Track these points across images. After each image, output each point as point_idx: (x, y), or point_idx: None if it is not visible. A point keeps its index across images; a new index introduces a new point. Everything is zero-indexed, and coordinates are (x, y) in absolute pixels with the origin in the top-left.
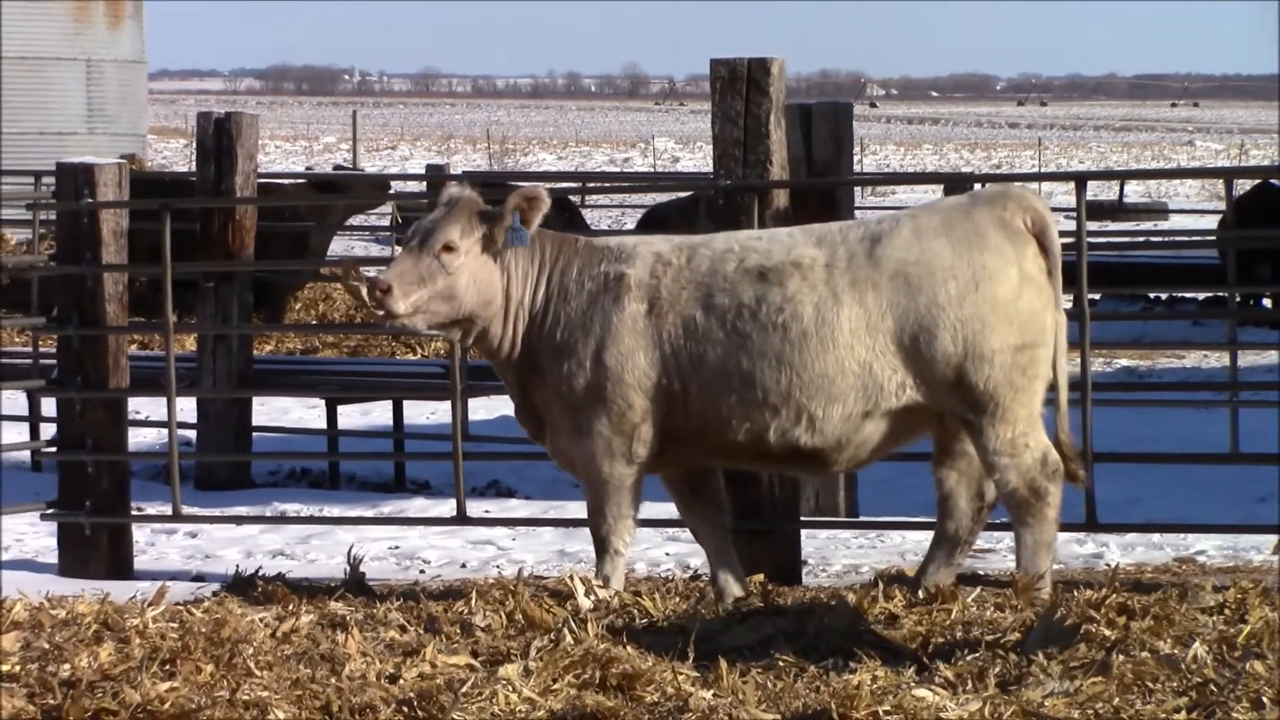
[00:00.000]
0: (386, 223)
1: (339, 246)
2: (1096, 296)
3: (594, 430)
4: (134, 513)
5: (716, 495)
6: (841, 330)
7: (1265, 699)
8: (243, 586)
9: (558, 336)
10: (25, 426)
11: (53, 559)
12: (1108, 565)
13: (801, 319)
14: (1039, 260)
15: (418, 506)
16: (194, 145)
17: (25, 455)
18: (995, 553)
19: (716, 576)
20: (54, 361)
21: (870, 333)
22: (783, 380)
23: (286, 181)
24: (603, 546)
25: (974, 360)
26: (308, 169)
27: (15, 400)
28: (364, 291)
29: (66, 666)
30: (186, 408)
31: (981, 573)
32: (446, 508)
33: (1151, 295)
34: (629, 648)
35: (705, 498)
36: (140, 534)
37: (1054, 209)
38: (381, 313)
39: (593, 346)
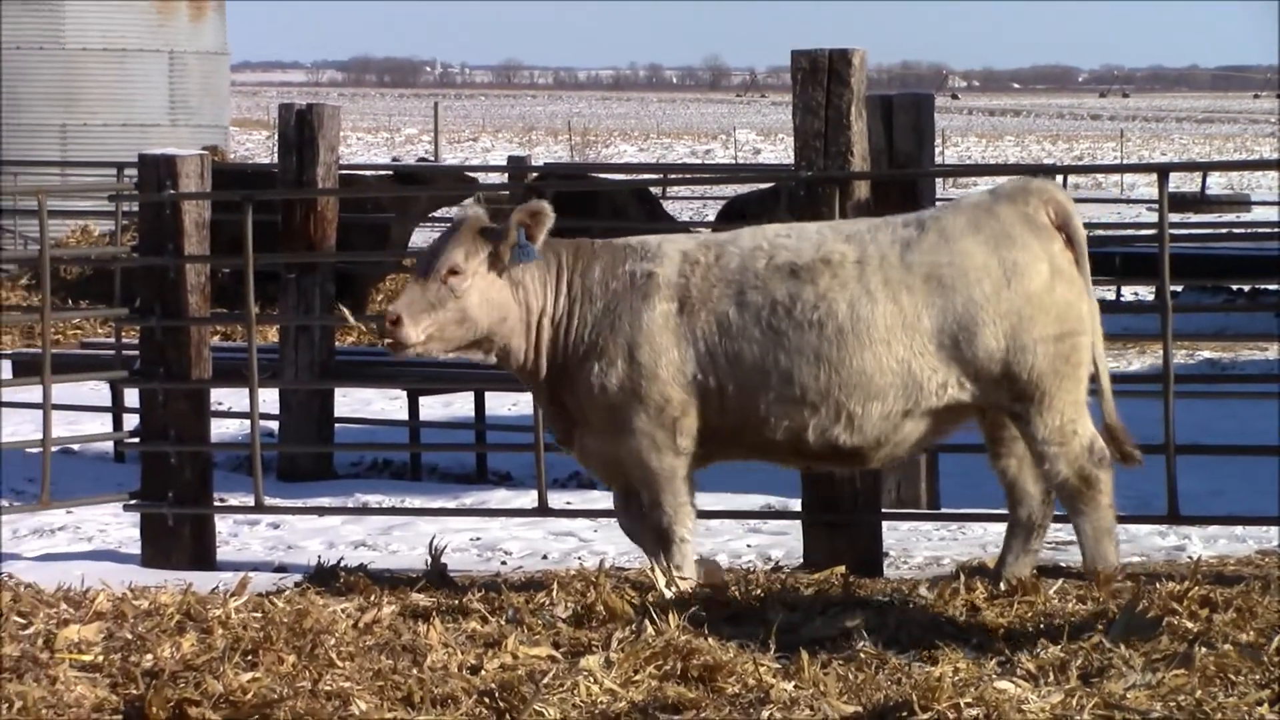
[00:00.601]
0: None
1: (420, 238)
2: (1179, 289)
3: (634, 427)
4: (216, 504)
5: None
6: (877, 327)
7: None
8: (325, 577)
9: (585, 338)
10: (108, 417)
11: (135, 550)
12: (1190, 558)
13: (837, 316)
14: (1066, 253)
15: (499, 498)
16: (276, 137)
17: (108, 446)
18: (1076, 544)
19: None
20: (137, 353)
21: (907, 332)
22: (821, 378)
23: (368, 173)
24: (668, 538)
25: (1016, 352)
26: (394, 160)
27: (98, 391)
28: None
29: (149, 657)
30: (269, 399)
31: (1063, 564)
32: (528, 499)
33: (1234, 288)
34: (710, 639)
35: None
36: (223, 525)
37: (1136, 201)
38: (393, 343)
39: (624, 345)
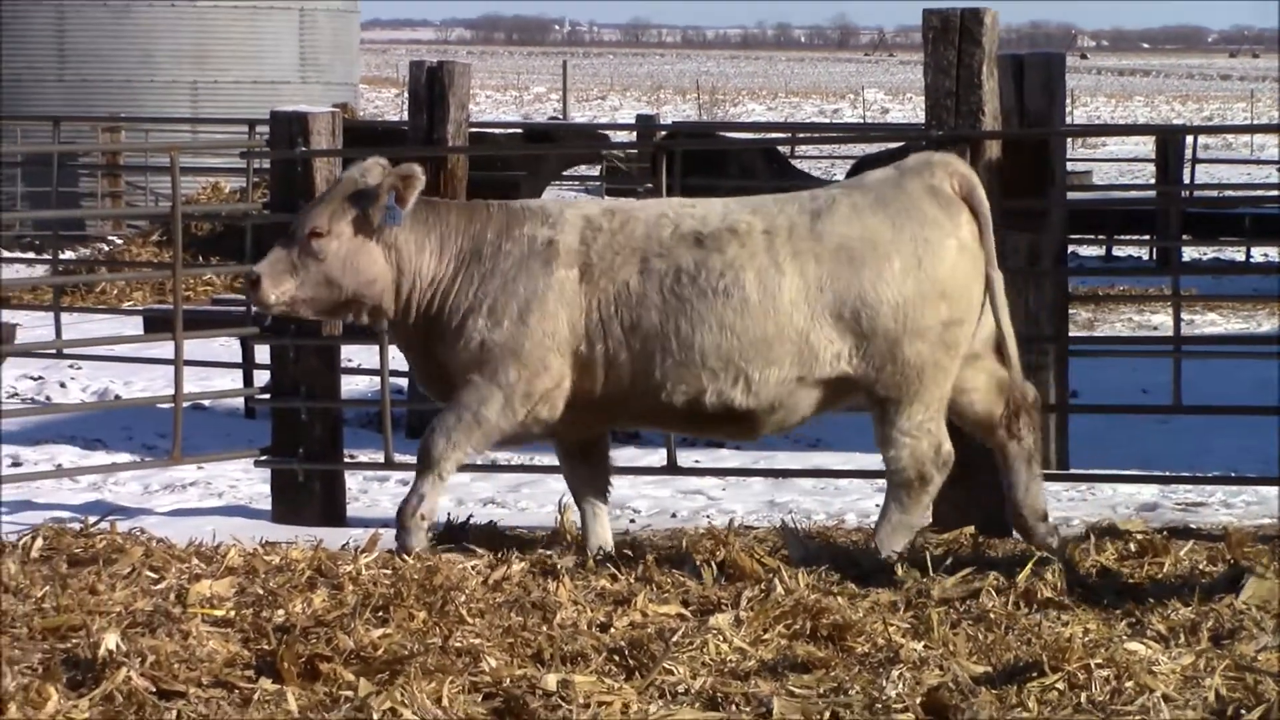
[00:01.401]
0: (596, 173)
1: (550, 197)
2: None
3: (499, 379)
4: (346, 460)
5: (604, 463)
6: (783, 297)
7: None
8: (455, 534)
9: (469, 296)
10: (239, 373)
11: (266, 505)
12: None
13: (743, 285)
14: (972, 225)
15: (628, 456)
16: (405, 94)
17: (239, 402)
18: (1208, 506)
19: (588, 543)
20: None
21: (809, 302)
22: (724, 344)
23: (498, 131)
24: (430, 464)
25: (910, 336)
26: (524, 119)
27: (229, 347)
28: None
29: (281, 612)
30: (398, 355)
31: (1193, 526)
32: (657, 457)
33: None
34: (839, 598)
35: (594, 464)
36: (352, 481)
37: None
38: (257, 305)
39: (515, 308)
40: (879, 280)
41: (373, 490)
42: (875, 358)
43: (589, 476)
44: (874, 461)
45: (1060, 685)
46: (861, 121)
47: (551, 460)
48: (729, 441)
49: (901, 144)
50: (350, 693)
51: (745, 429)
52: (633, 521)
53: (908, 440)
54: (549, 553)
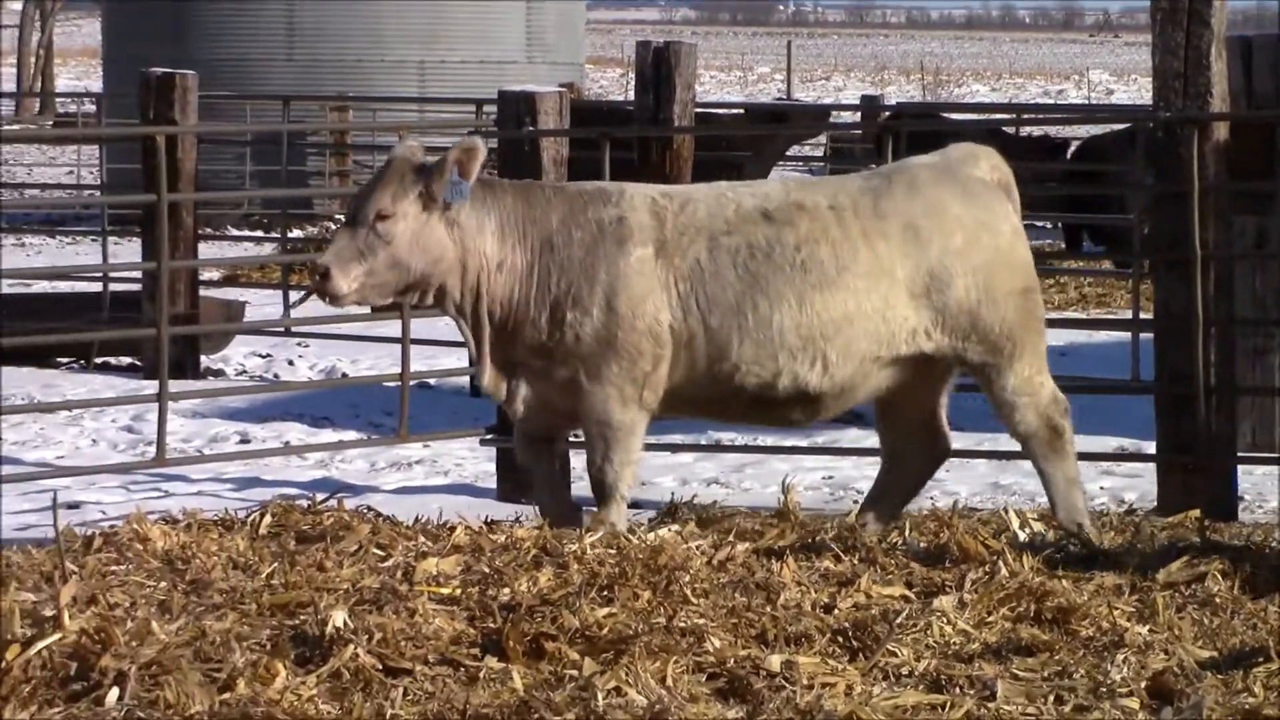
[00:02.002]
0: (821, 153)
1: (774, 177)
2: None
3: (604, 377)
4: (571, 440)
5: (565, 455)
6: (859, 272)
7: None
8: (679, 514)
9: (551, 288)
10: (465, 352)
11: (492, 484)
12: None
13: (820, 259)
14: (1014, 217)
15: (851, 437)
16: (631, 74)
17: (465, 380)
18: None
19: (541, 498)
20: None
21: (883, 279)
22: (804, 322)
23: (723, 112)
24: (609, 494)
25: (988, 305)
26: (749, 99)
27: (454, 327)
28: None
29: (506, 591)
30: None
31: None
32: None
33: None
34: (1064, 581)
35: (556, 450)
36: (577, 460)
37: None
38: (326, 297)
39: (600, 294)
40: (945, 254)
41: None
42: (956, 331)
43: (538, 455)
44: (1096, 444)
45: None
46: (1086, 102)
47: (775, 440)
48: (952, 423)
49: (1128, 125)
50: (575, 672)
51: (807, 414)
52: (855, 502)
53: (1024, 399)
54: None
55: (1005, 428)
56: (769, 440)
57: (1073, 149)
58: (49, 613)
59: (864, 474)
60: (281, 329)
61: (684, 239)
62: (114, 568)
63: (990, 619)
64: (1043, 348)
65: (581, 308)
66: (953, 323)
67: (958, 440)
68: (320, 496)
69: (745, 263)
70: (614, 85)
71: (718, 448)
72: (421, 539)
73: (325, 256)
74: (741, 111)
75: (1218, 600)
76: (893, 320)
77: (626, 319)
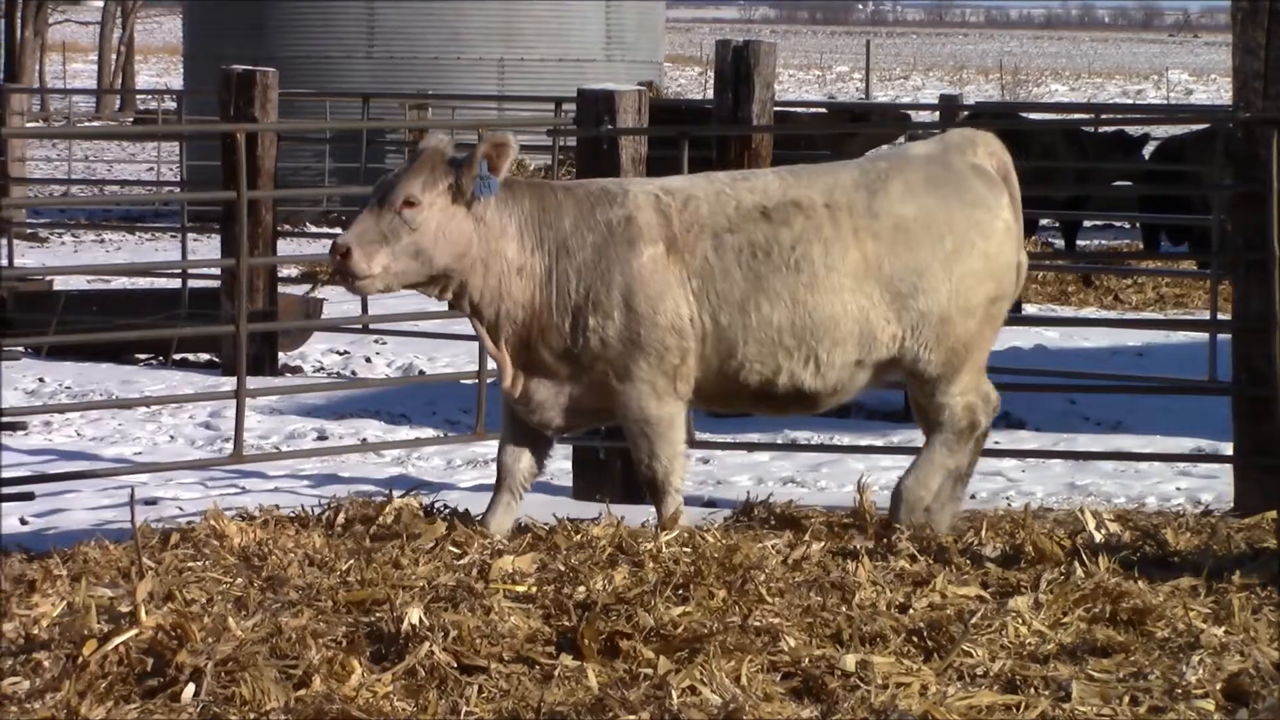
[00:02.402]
0: None
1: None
2: None
3: (635, 375)
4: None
5: (544, 449)
6: (847, 274)
7: None
8: (754, 513)
9: (571, 294)
10: None
11: (567, 482)
12: None
13: (813, 260)
14: (1011, 205)
15: None
16: (709, 73)
17: None
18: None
19: (497, 502)
20: None
21: (870, 280)
22: (797, 321)
23: (801, 110)
24: (663, 489)
25: (961, 315)
26: (828, 98)
27: None
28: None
29: (582, 589)
30: None
31: None
32: None
33: None
34: (1139, 582)
35: (537, 448)
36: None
37: None
38: (345, 277)
39: (618, 296)
40: (934, 260)
41: None
42: (927, 338)
43: (520, 455)
44: (1173, 445)
45: None
46: (1165, 102)
47: (851, 439)
48: (1029, 423)
49: (1207, 125)
50: (650, 670)
51: (804, 408)
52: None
53: (959, 398)
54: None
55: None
56: (845, 439)
57: (1151, 149)
58: (126, 608)
59: None
60: (359, 326)
61: (690, 235)
62: (191, 564)
63: (1065, 620)
64: (987, 355)
65: (603, 312)
66: (926, 331)
67: (1033, 441)
68: (397, 493)
69: (748, 262)
70: (692, 84)
71: (794, 446)
72: (497, 536)
73: (346, 236)
74: (821, 110)
75: None
76: (875, 322)
77: (648, 317)
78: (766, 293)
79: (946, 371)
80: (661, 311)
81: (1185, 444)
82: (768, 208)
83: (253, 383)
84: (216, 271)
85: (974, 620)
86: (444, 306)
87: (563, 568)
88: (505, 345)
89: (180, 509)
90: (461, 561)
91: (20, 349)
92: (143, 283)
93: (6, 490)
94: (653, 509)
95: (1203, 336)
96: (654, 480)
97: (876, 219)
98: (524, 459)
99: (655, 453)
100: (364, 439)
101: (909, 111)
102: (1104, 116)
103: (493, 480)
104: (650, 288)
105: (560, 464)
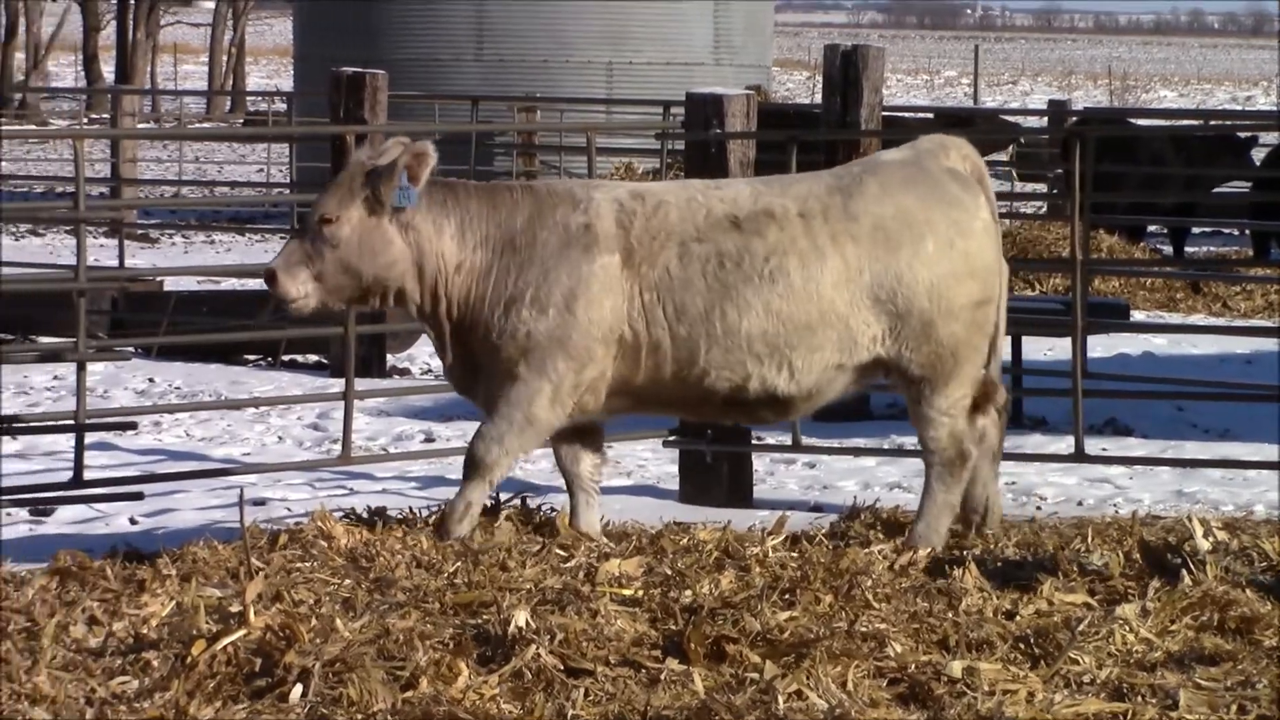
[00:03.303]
0: (1005, 158)
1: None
2: None
3: (546, 372)
4: (754, 442)
5: (599, 443)
6: (825, 282)
7: None
8: (860, 518)
9: (509, 286)
10: None
11: (674, 486)
12: None
13: (788, 270)
14: (988, 208)
15: (1034, 443)
16: (817, 77)
17: None
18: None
19: (576, 505)
20: None
21: (850, 286)
22: (770, 330)
23: (909, 115)
24: (482, 472)
25: (944, 316)
26: (935, 103)
27: None
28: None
29: (688, 593)
30: None
31: None
32: (1064, 445)
33: None
34: (1247, 590)
35: (589, 443)
36: (760, 463)
37: None
38: (277, 302)
39: (558, 297)
40: (914, 260)
41: (779, 473)
42: (909, 339)
43: (578, 456)
44: (1263, 452)
45: None
46: (1276, 109)
47: None
48: (1136, 430)
49: None
50: (756, 675)
51: (778, 414)
52: (1039, 509)
53: (946, 420)
54: (953, 538)
55: (915, 433)
56: None
57: (1261, 155)
58: (235, 608)
59: (1047, 480)
60: None
61: (655, 244)
62: (299, 565)
63: (1173, 628)
64: (978, 370)
65: (539, 306)
66: (909, 331)
67: (1141, 448)
68: (504, 496)
69: (715, 272)
70: (800, 88)
71: (900, 452)
72: (604, 540)
73: (273, 261)
74: (929, 116)
75: None
76: (856, 326)
77: (583, 323)
78: (735, 302)
79: (931, 375)
80: (597, 322)
81: (1275, 452)
82: (739, 217)
83: (361, 384)
84: None
85: (1081, 627)
86: None
87: (669, 571)
88: (449, 344)
89: (288, 510)
90: (568, 564)
91: (131, 349)
92: (252, 284)
93: (117, 490)
94: (761, 513)
95: None
96: (482, 461)
97: (855, 221)
98: (583, 458)
99: (504, 440)
100: None
101: (1016, 119)
102: (1213, 123)
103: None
104: (593, 295)
105: (667, 468)
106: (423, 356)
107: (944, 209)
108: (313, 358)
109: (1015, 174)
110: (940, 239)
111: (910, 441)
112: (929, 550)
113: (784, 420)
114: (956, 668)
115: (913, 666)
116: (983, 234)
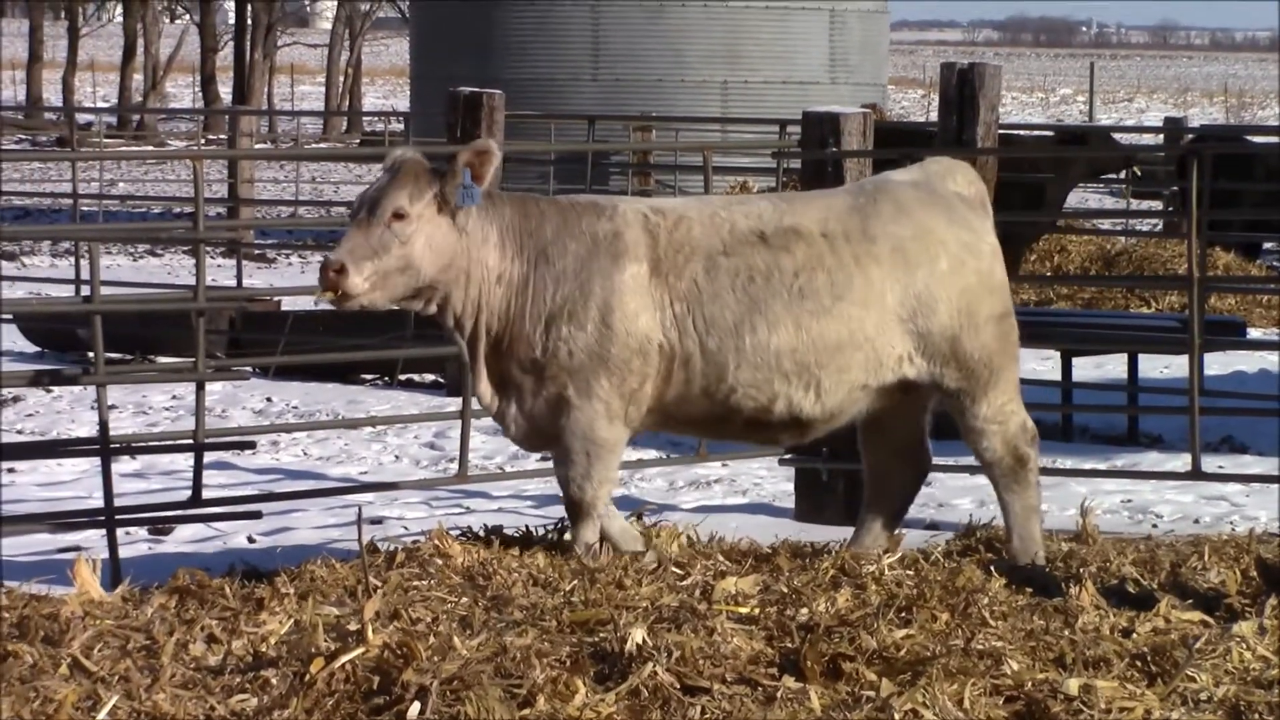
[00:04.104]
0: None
1: (1074, 199)
2: None
3: (594, 393)
4: None
5: (926, 451)
6: (854, 301)
7: None
8: (976, 535)
9: (546, 301)
10: None
11: (789, 503)
12: None
13: (816, 288)
14: (993, 232)
15: (1150, 460)
16: (933, 95)
17: None
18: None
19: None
20: None
21: (874, 305)
22: (800, 348)
23: (1025, 133)
24: (586, 512)
25: (969, 330)
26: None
27: None
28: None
29: (804, 611)
30: None
31: None
32: (1180, 462)
33: None
34: None
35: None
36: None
37: None
38: (337, 294)
39: (594, 310)
40: (932, 278)
41: None
42: (936, 357)
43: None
44: None
45: None
46: None
47: (1074, 463)
48: (1252, 448)
49: None
50: (872, 693)
51: (795, 437)
52: (1155, 526)
53: (994, 427)
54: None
55: (970, 451)
56: (1068, 463)
57: None
58: (353, 626)
59: (1163, 497)
60: None
61: (679, 257)
62: (416, 583)
63: None
64: (1016, 375)
65: (576, 322)
66: (934, 349)
67: (1257, 465)
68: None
69: (744, 286)
70: (915, 106)
71: None
72: (720, 558)
73: (339, 252)
74: (1046, 134)
75: None
76: (882, 347)
77: (620, 335)
78: (765, 316)
79: (969, 387)
80: (633, 333)
81: None
82: (765, 233)
83: (477, 403)
84: None
85: (1198, 645)
86: None
87: (785, 589)
88: (483, 359)
89: (405, 528)
90: (684, 582)
91: (249, 369)
92: None
93: (235, 509)
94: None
95: None
96: (580, 502)
97: (874, 243)
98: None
99: (590, 474)
100: None
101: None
102: None
103: (714, 501)
104: (628, 306)
105: (783, 486)
106: None
107: (956, 230)
108: (429, 377)
109: (1129, 191)
110: (953, 258)
111: None
112: (1031, 556)
113: (800, 442)
114: (1073, 685)
115: (1029, 684)
116: (992, 256)
